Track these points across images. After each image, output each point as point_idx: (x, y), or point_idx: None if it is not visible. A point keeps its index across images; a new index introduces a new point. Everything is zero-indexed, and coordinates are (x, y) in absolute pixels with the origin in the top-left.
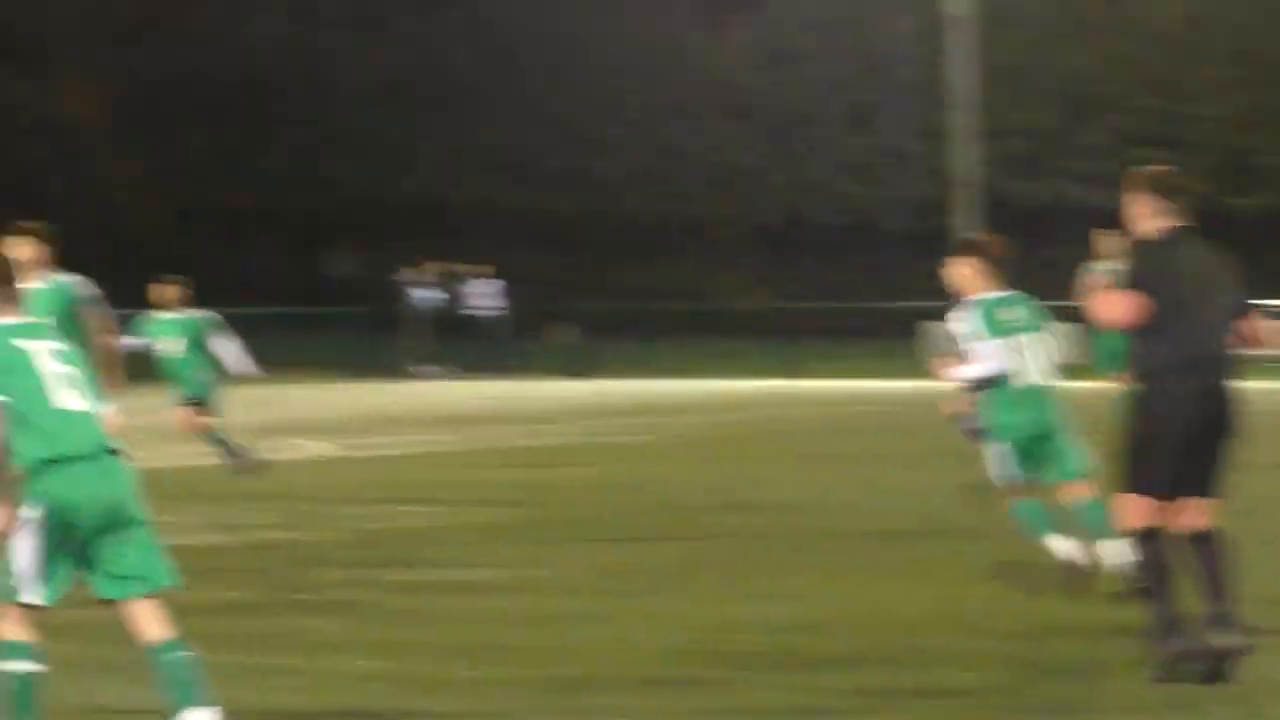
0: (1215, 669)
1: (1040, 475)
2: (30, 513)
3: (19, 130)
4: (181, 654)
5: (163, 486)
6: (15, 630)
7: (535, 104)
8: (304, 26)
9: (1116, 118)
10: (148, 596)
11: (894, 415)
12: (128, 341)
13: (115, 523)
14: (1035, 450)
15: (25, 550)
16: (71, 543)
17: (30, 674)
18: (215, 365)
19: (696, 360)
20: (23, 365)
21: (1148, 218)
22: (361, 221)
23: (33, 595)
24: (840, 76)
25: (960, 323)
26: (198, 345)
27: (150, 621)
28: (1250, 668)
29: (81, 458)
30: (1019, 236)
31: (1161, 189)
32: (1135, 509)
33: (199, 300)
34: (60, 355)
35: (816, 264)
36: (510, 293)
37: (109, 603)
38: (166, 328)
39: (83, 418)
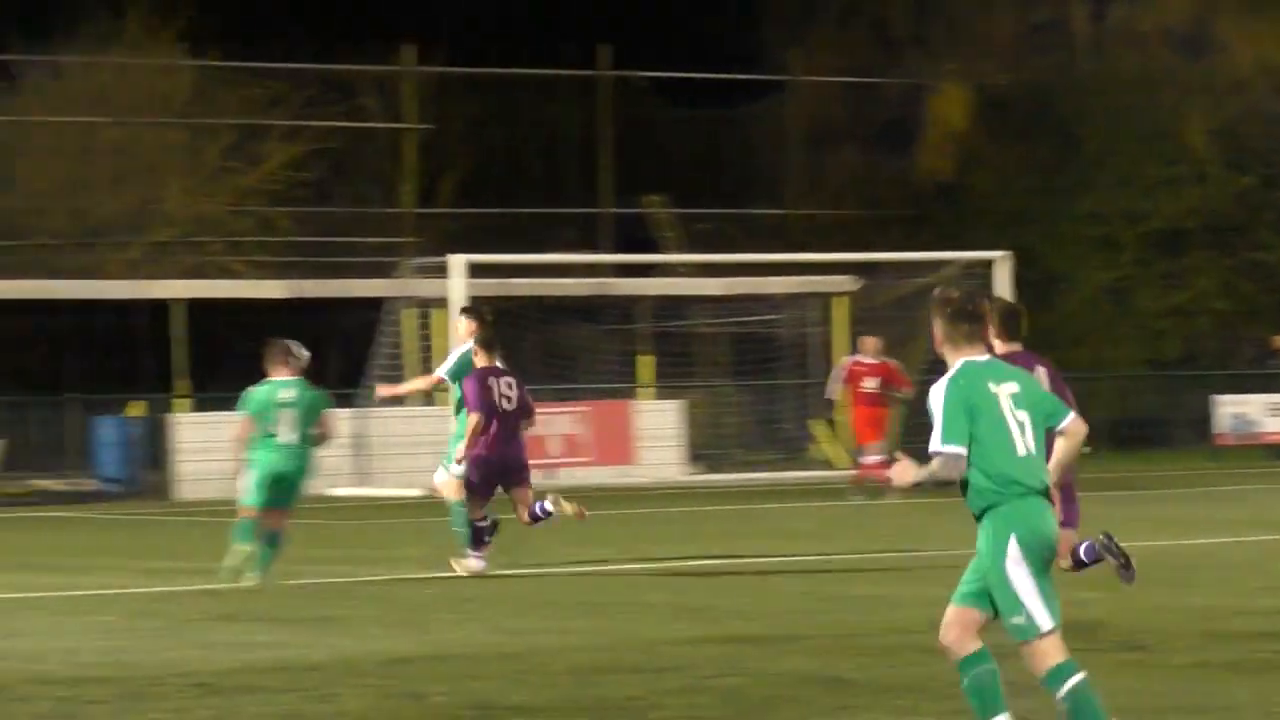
0: None
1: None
2: (1010, 546)
3: None
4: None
5: None
6: (1058, 654)
7: None
8: None
9: None
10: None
11: None
12: None
13: (1049, 560)
14: None
15: (1023, 582)
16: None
17: (1081, 681)
18: None
19: None
20: (991, 409)
21: None
22: None
23: (1048, 622)
24: None
25: None
26: None
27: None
28: None
29: (1034, 492)
30: None
31: None
32: None
33: None
34: (1016, 398)
35: None
36: None
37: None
38: None
39: (1029, 462)
